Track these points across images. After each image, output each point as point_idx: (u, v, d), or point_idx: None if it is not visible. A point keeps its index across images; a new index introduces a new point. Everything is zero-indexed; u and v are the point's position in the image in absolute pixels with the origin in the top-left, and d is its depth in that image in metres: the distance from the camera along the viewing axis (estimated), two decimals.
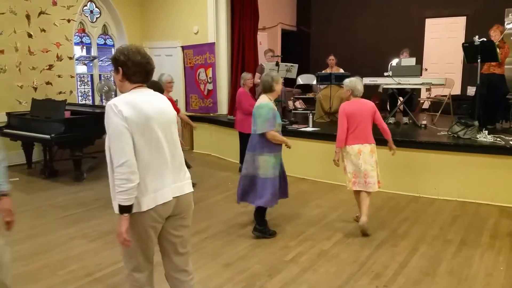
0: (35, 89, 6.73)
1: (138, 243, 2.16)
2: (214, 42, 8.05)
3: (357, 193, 4.30)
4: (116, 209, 2.07)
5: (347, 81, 4.32)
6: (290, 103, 8.94)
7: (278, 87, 3.97)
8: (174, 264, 2.34)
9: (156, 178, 2.12)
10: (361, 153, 4.17)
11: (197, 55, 8.31)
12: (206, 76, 8.26)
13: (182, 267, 2.36)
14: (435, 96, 8.59)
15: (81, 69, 8.31)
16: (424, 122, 6.89)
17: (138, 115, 2.06)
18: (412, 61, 7.55)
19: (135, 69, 2.13)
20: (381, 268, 3.44)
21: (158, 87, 4.86)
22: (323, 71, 8.10)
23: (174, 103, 5.55)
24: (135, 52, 2.13)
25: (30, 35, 6.56)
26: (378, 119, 4.26)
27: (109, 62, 8.74)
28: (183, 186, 2.27)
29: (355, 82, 4.25)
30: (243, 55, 8.26)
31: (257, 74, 7.26)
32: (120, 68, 2.14)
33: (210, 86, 8.29)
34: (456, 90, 9.07)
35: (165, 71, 8.72)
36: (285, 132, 4.88)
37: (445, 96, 7.98)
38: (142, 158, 2.07)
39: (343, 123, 4.18)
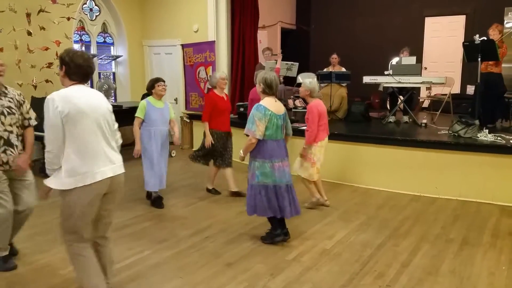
0: (35, 87, 6.69)
1: (81, 215, 2.56)
2: (214, 41, 8.03)
3: (314, 182, 4.85)
4: (49, 183, 2.55)
5: (307, 81, 4.72)
6: (290, 101, 8.92)
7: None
8: (98, 231, 2.78)
9: (92, 161, 2.53)
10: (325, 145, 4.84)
11: (197, 54, 8.29)
12: (206, 75, 8.24)
13: (103, 234, 2.83)
14: (435, 95, 8.60)
15: None
16: (424, 121, 6.89)
17: (72, 108, 2.45)
18: (412, 60, 7.56)
19: (76, 70, 2.55)
20: (384, 268, 3.44)
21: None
22: (324, 70, 8.09)
23: (228, 99, 5.41)
24: (79, 56, 2.56)
25: (29, 33, 6.52)
26: None
27: (109, 60, 8.73)
28: (115, 168, 2.66)
29: (315, 84, 4.70)
30: (243, 54, 8.24)
31: (256, 73, 7.24)
32: (63, 66, 2.56)
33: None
34: (456, 89, 9.08)
35: (165, 70, 8.81)
36: None
37: (445, 95, 7.99)
38: (78, 144, 2.50)
39: (315, 122, 4.61)
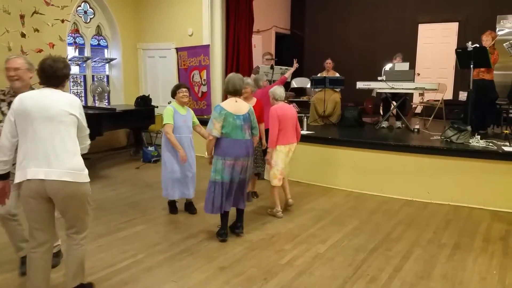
0: None
1: (24, 209, 2.71)
2: (209, 44, 8.04)
3: (277, 188, 4.77)
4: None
5: (271, 89, 4.84)
6: None
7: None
8: (67, 230, 2.89)
9: (28, 159, 2.61)
10: (289, 151, 4.74)
11: (192, 57, 8.29)
12: (201, 78, 8.25)
13: (71, 235, 2.89)
14: (428, 100, 8.67)
15: (74, 69, 8.24)
16: (417, 126, 6.95)
17: (20, 108, 2.62)
18: (405, 66, 7.62)
19: (40, 74, 2.72)
20: (376, 272, 3.45)
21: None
22: (318, 75, 8.13)
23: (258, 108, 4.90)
24: (46, 61, 2.72)
25: (23, 35, 6.48)
26: (297, 123, 4.84)
27: (103, 63, 8.70)
28: (51, 172, 2.59)
29: (275, 88, 4.77)
30: (238, 58, 8.26)
31: (252, 76, 7.26)
32: (36, 71, 2.79)
33: (204, 88, 8.28)
34: (448, 95, 9.16)
35: (159, 73, 8.82)
36: None
37: (438, 101, 8.05)
38: (25, 141, 2.62)
39: (276, 125, 4.56)
